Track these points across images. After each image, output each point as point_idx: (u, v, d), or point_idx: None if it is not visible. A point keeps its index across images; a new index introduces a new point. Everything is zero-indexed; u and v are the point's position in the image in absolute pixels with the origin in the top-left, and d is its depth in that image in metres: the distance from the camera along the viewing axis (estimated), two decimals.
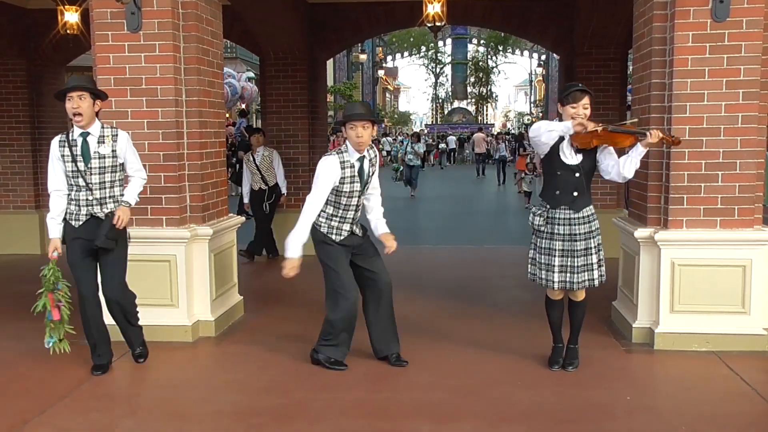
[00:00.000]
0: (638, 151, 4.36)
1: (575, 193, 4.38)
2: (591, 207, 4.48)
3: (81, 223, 4.51)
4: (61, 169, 4.51)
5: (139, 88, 5.15)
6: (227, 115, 16.01)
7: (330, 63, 27.81)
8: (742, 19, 4.82)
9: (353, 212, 4.57)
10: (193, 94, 5.33)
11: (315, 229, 4.57)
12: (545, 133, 4.33)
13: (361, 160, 4.52)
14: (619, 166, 4.40)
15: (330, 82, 32.99)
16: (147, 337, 4.98)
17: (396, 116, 63.83)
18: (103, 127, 4.54)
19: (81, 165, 4.45)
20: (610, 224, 5.89)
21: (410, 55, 58.32)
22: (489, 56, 57.83)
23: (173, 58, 5.18)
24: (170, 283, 5.31)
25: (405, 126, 58.89)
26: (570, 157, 4.38)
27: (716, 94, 4.90)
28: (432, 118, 62.97)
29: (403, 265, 7.76)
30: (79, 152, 4.45)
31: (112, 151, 4.51)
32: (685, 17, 4.86)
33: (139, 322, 4.88)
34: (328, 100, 14.61)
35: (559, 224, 4.42)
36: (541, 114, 55.38)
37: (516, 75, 77.87)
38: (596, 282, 4.45)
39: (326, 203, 4.54)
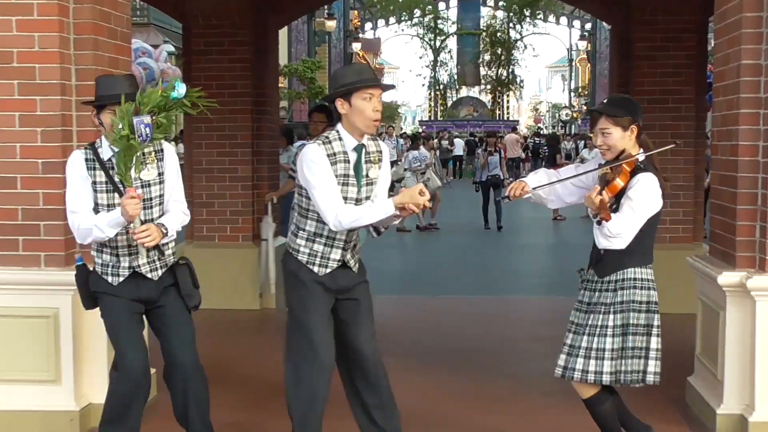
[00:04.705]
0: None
1: (602, 251, 4.46)
2: (627, 271, 4.41)
3: (120, 280, 4.39)
4: (88, 194, 4.35)
5: (9, 66, 5.15)
6: None
7: (283, 33, 27.97)
8: None
9: (347, 232, 4.40)
10: (87, 76, 5.33)
11: (289, 257, 4.50)
12: None
13: (359, 149, 4.41)
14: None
15: (284, 60, 33.19)
16: (12, 429, 4.92)
17: None
18: None
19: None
20: (683, 265, 5.93)
21: (398, 22, 58.71)
22: (511, 24, 58.43)
23: (59, 24, 5.20)
24: (50, 349, 5.29)
25: (392, 122, 59.03)
26: None
27: None
28: (430, 111, 63.21)
29: (393, 322, 7.72)
30: (116, 178, 4.28)
31: (159, 174, 4.40)
32: None
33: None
34: (280, 85, 14.59)
35: (583, 288, 4.63)
36: (584, 106, 55.79)
37: (550, 52, 78.84)
38: (605, 378, 4.40)
39: (306, 218, 4.43)
